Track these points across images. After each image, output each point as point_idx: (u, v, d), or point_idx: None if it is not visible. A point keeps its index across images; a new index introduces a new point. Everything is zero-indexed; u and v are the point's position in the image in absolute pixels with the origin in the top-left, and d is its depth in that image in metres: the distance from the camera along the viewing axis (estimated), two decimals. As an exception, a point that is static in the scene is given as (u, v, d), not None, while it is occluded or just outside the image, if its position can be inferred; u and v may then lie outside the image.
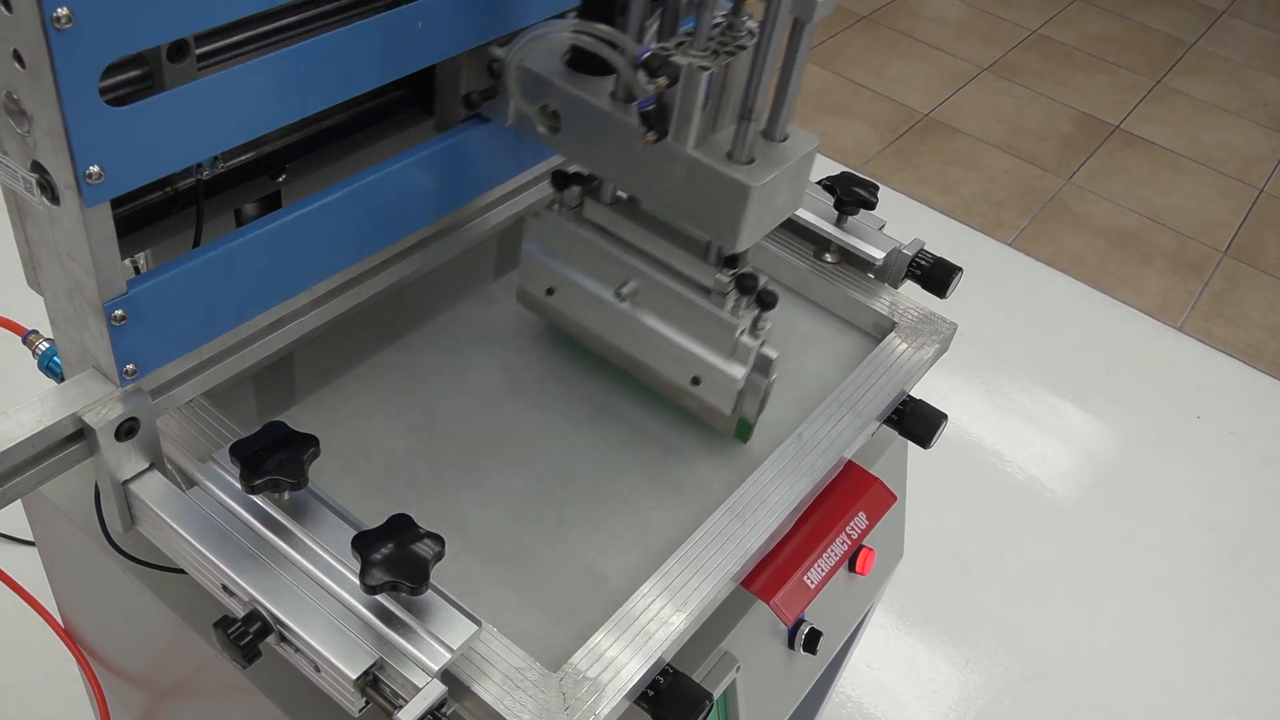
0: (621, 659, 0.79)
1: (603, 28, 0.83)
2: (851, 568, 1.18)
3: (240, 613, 0.74)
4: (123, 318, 0.72)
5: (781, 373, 1.10)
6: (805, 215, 1.17)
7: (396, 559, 0.72)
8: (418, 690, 0.71)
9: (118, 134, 0.65)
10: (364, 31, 0.77)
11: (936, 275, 1.15)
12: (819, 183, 1.17)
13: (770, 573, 0.94)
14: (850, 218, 1.17)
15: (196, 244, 0.81)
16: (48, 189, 0.67)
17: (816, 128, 3.35)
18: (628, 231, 0.94)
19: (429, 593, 0.75)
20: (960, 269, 1.16)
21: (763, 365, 0.93)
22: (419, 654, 0.72)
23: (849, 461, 1.05)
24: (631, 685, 0.78)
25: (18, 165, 0.67)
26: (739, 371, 0.92)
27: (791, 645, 1.11)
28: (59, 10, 0.58)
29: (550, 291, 0.99)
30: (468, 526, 0.90)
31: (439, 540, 0.74)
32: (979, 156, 3.33)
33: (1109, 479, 2.32)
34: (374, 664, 0.72)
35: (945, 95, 3.58)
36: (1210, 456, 2.41)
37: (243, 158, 0.84)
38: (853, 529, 1.00)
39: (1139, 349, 2.67)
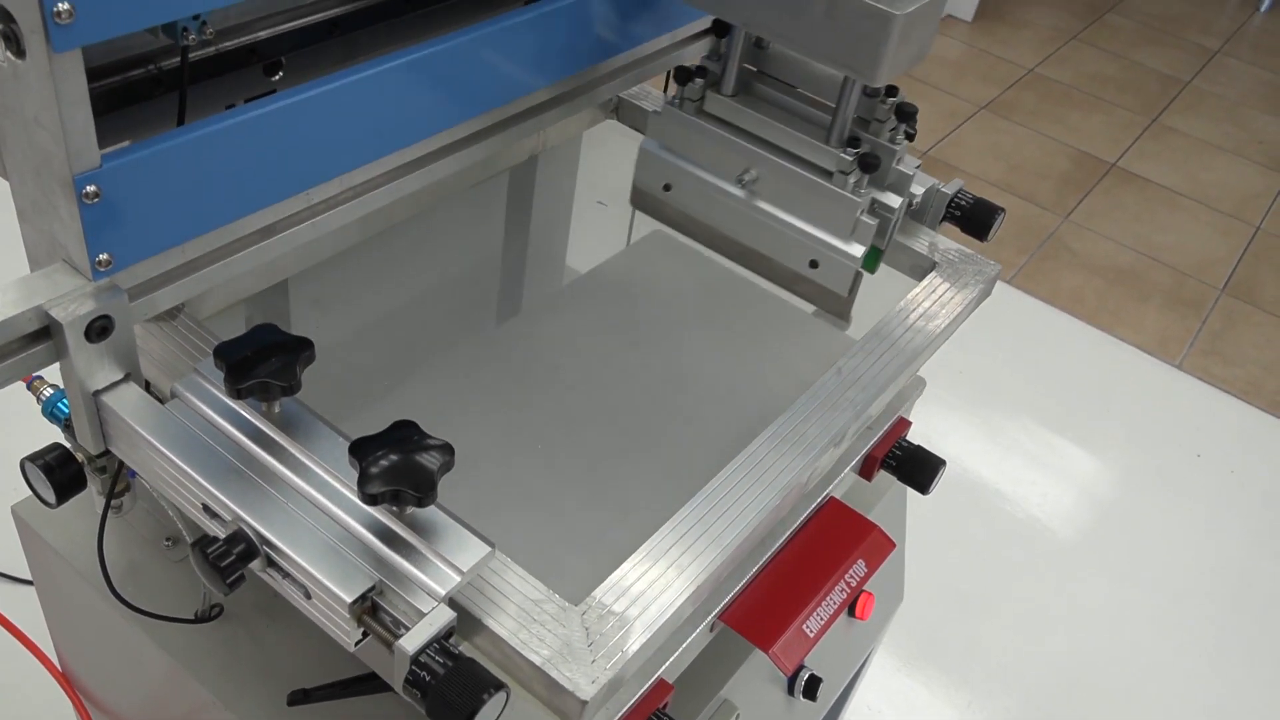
0: (651, 593, 0.70)
1: None
2: (851, 613, 1.11)
3: (223, 535, 0.66)
4: (95, 194, 0.64)
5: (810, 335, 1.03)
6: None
7: (400, 467, 0.63)
8: (422, 616, 0.62)
9: (90, -34, 0.57)
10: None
11: (978, 215, 1.08)
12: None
13: (769, 621, 0.86)
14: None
15: (180, 124, 0.73)
16: (12, 40, 0.59)
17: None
18: (749, 121, 0.98)
19: (435, 511, 0.66)
20: (1002, 209, 1.09)
21: (898, 185, 0.98)
22: (424, 576, 0.63)
23: (847, 508, 0.98)
24: (664, 622, 0.69)
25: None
26: (857, 250, 0.96)
27: (791, 692, 1.04)
28: None
29: (667, 188, 1.04)
30: (476, 458, 0.82)
31: (448, 449, 0.65)
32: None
33: (1109, 518, 2.27)
34: (372, 587, 0.63)
35: (944, 133, 3.55)
36: (1211, 495, 2.36)
37: (236, 41, 0.76)
38: (851, 576, 0.93)
39: (1138, 387, 2.63)
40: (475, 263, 1.07)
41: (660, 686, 0.79)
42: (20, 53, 0.59)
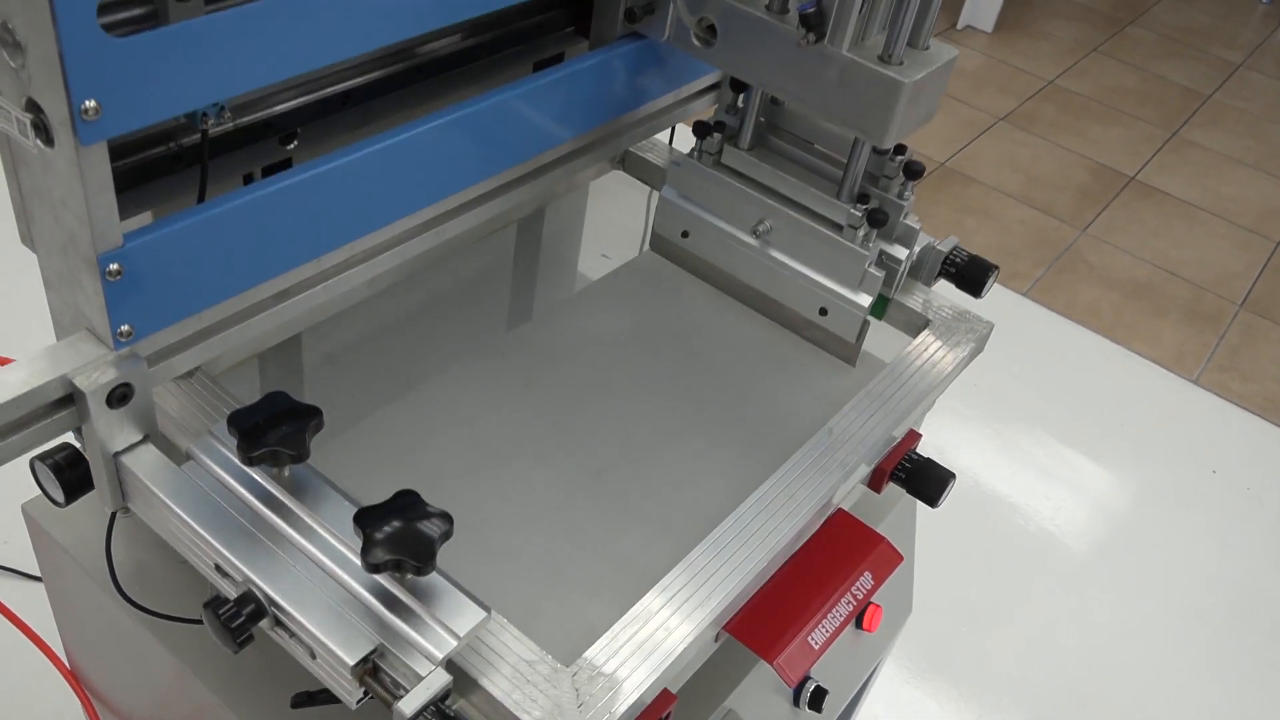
0: (638, 656, 0.73)
1: None
2: (859, 625, 1.12)
3: (233, 594, 0.69)
4: (118, 272, 0.68)
5: (809, 370, 1.06)
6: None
7: (401, 537, 0.67)
8: (420, 679, 0.65)
9: (117, 67, 0.60)
10: (382, -19, 0.73)
11: (971, 273, 1.10)
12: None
13: (774, 632, 0.88)
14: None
15: (200, 200, 0.77)
16: (42, 130, 0.63)
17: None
18: (764, 174, 1.05)
19: (435, 577, 0.70)
20: (996, 266, 1.11)
21: (905, 237, 1.04)
22: (423, 640, 0.67)
23: (855, 520, 1.00)
24: (651, 683, 0.72)
25: (12, 105, 0.63)
26: (866, 300, 1.02)
27: (797, 703, 1.06)
28: (56, -74, 0.54)
29: (685, 234, 1.11)
30: (479, 516, 0.85)
31: (447, 519, 0.68)
32: (993, 206, 3.29)
33: (1123, 533, 2.27)
34: (374, 650, 0.67)
35: (961, 144, 3.56)
36: (1226, 512, 2.36)
37: (252, 116, 0.79)
38: (858, 589, 0.95)
39: (1154, 402, 2.63)
40: (483, 313, 1.11)
41: (664, 697, 0.81)
42: (49, 141, 0.63)
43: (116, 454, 0.74)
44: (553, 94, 0.96)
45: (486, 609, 0.69)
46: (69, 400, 0.71)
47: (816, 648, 0.92)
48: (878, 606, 1.12)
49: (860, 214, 1.00)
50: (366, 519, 0.67)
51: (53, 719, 1.61)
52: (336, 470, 0.77)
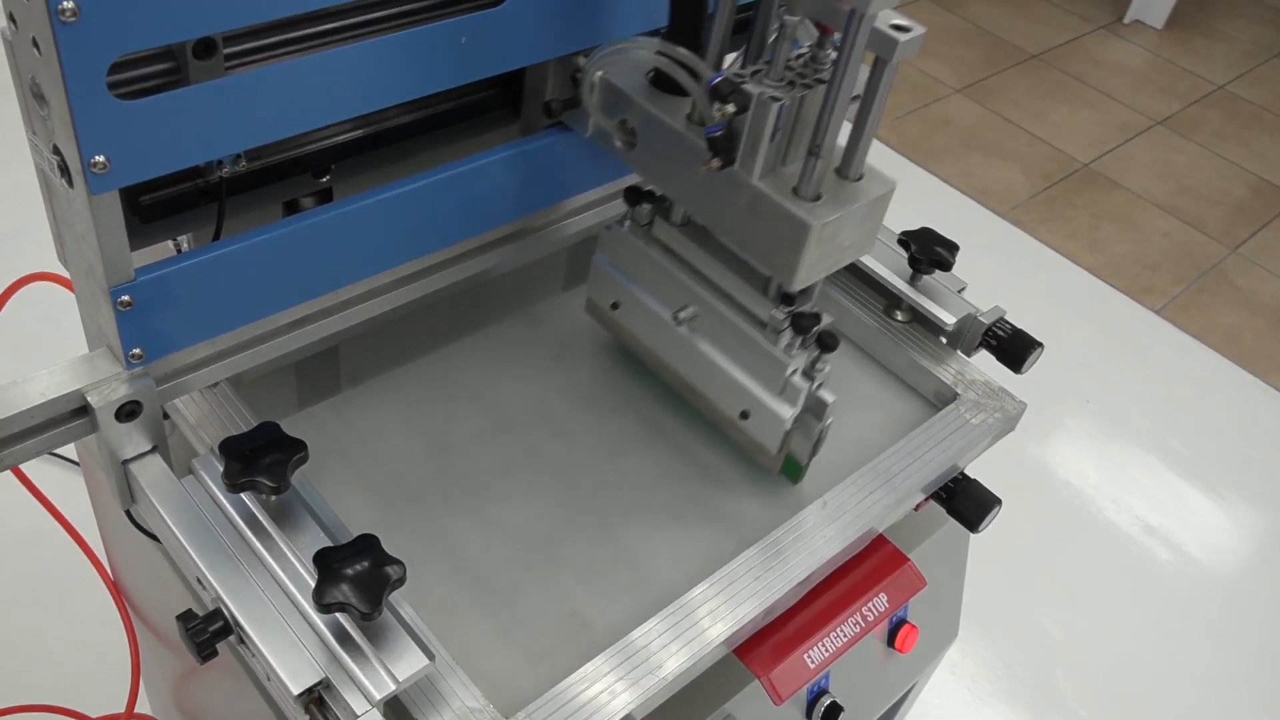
0: (585, 711, 0.76)
1: (682, 51, 0.82)
2: (891, 643, 1.11)
3: (207, 609, 0.75)
4: (129, 304, 0.73)
5: (829, 433, 1.05)
6: (878, 268, 1.11)
7: (354, 580, 0.71)
8: (355, 718, 0.69)
9: (125, 127, 0.65)
10: (396, 44, 0.76)
11: (1013, 348, 1.08)
12: (899, 238, 1.11)
13: (768, 646, 0.89)
14: (926, 277, 1.10)
15: (215, 238, 0.82)
16: (65, 172, 0.68)
17: (962, 165, 3.22)
18: (693, 255, 0.93)
19: (391, 618, 0.73)
20: (1040, 345, 1.08)
21: (817, 408, 0.90)
22: (365, 680, 0.71)
23: (881, 537, 0.99)
24: (587, 746, 0.74)
25: (44, 145, 0.69)
26: (787, 411, 0.89)
27: (810, 717, 1.06)
28: (64, 4, 0.58)
29: (615, 305, 1.00)
30: (461, 551, 0.89)
31: (400, 567, 0.72)
32: (1137, 215, 3.14)
33: (1231, 580, 2.14)
34: (319, 682, 0.71)
35: (1110, 146, 3.39)
36: None
37: (275, 157, 0.84)
38: (870, 610, 0.94)
39: None
40: (524, 327, 1.13)
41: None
42: (70, 183, 0.68)
43: (125, 461, 0.80)
44: (563, 150, 0.97)
45: (431, 656, 0.73)
46: (84, 411, 0.77)
47: (813, 666, 0.91)
48: (913, 627, 1.10)
49: (783, 316, 0.86)
50: (324, 559, 0.72)
51: (89, 613, 1.66)
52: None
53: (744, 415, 0.93)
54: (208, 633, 0.73)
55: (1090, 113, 3.55)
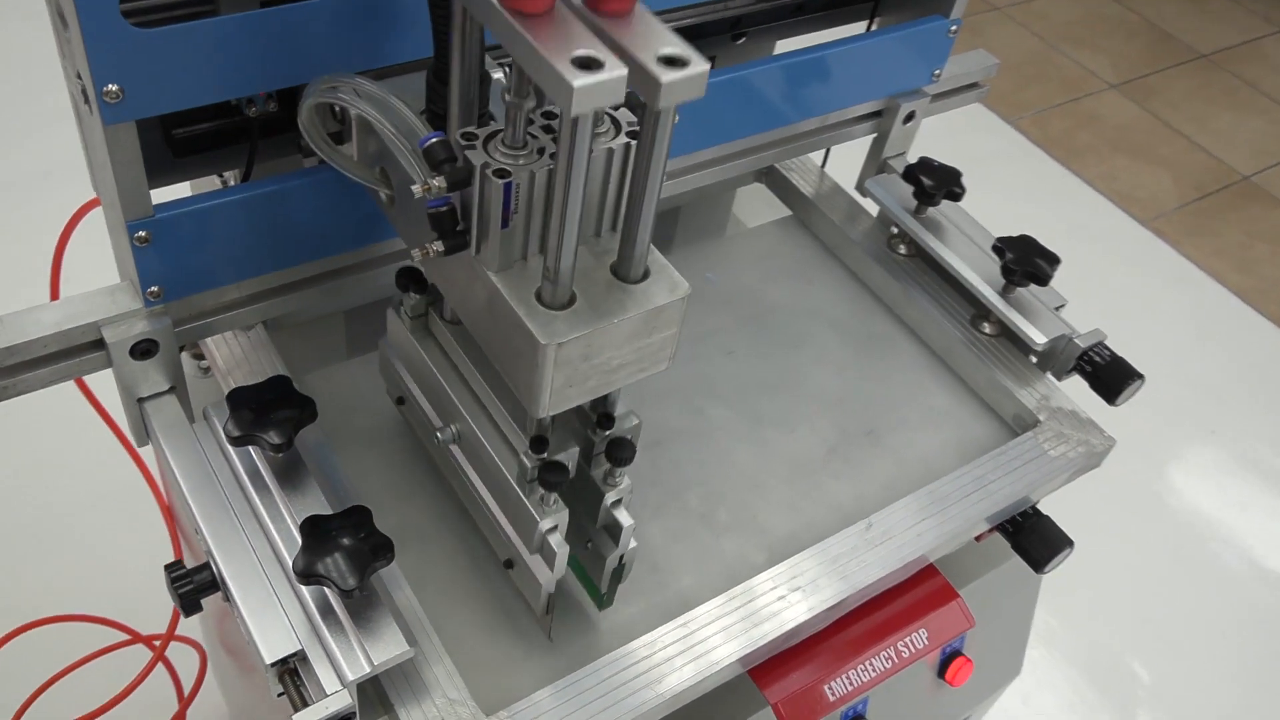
0: (575, 719, 0.71)
1: (396, 103, 0.65)
2: (941, 675, 1.03)
3: (199, 560, 0.72)
4: (145, 240, 0.71)
5: (890, 446, 0.97)
6: (969, 274, 1.02)
7: (339, 553, 0.67)
8: (324, 695, 0.66)
9: (139, 56, 0.62)
10: None
11: (1109, 377, 0.98)
12: (994, 244, 1.01)
13: (788, 672, 0.82)
14: (1021, 290, 1.01)
15: (245, 180, 0.79)
16: (87, 99, 0.66)
17: (1107, 167, 3.02)
18: (462, 362, 0.74)
19: (378, 597, 0.70)
20: (1141, 377, 0.98)
21: (613, 530, 0.73)
22: (340, 658, 0.67)
23: (931, 566, 0.91)
24: (564, 757, 0.70)
25: (69, 70, 0.67)
26: (545, 575, 0.72)
27: None
28: (73, -81, 0.55)
29: (401, 401, 0.83)
30: (478, 531, 0.85)
31: (389, 547, 0.68)
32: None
33: None
34: (295, 654, 0.68)
35: (1277, 160, 3.13)
36: None
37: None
38: (907, 646, 0.87)
39: None
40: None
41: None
42: (91, 110, 0.66)
43: (140, 399, 0.79)
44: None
45: (412, 643, 0.69)
46: (100, 344, 0.75)
47: (833, 699, 0.85)
48: (967, 660, 1.02)
49: (530, 465, 0.68)
50: (312, 527, 0.68)
51: (149, 534, 1.68)
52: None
53: (508, 564, 0.78)
54: (192, 584, 0.71)
55: (1259, 121, 3.28)
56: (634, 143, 0.61)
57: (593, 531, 0.75)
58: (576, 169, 0.54)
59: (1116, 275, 2.65)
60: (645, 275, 0.61)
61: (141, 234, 0.71)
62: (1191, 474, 2.24)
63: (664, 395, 0.96)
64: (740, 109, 0.98)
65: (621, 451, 0.69)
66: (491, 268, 0.61)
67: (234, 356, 0.86)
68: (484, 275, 0.61)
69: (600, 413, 0.71)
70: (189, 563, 0.74)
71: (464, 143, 0.60)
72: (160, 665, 1.27)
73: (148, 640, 1.43)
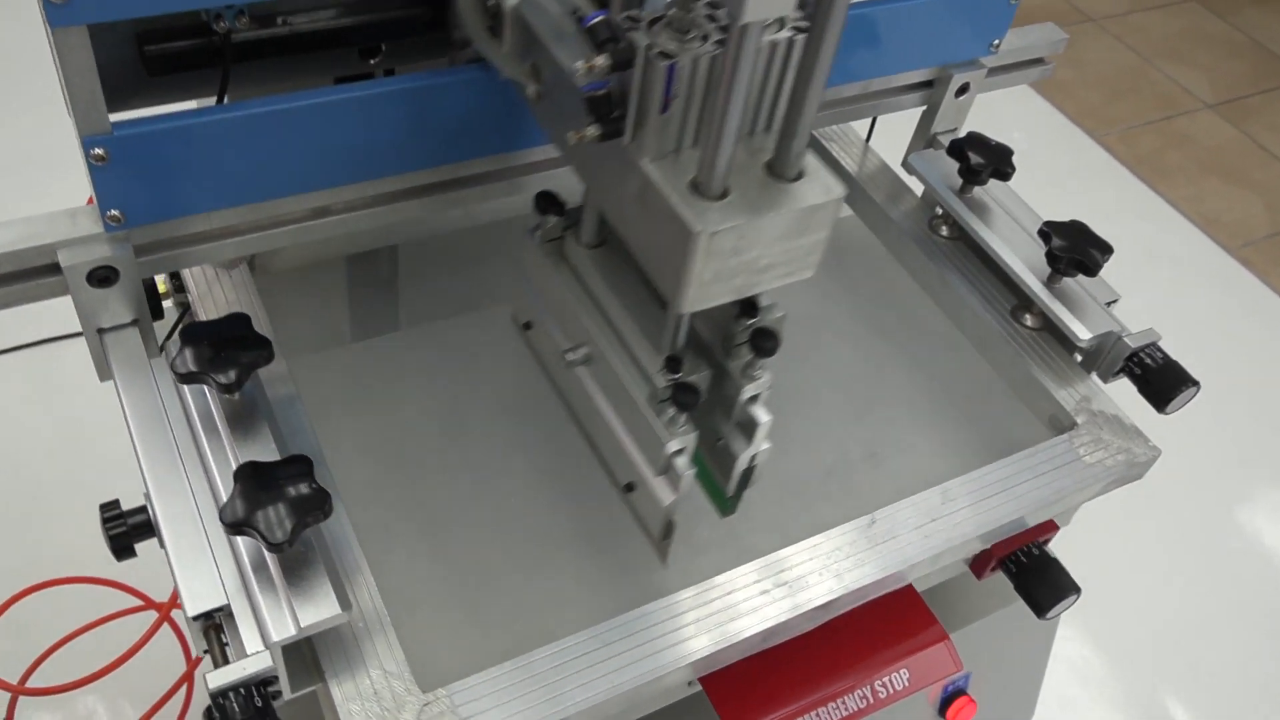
0: (511, 706, 0.65)
1: None
2: (941, 713, 0.95)
3: (137, 504, 0.68)
4: (102, 157, 0.67)
5: (906, 443, 0.89)
6: (1011, 260, 0.93)
7: (269, 504, 0.62)
8: (244, 656, 0.61)
9: (84, -52, 0.57)
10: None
11: (1159, 381, 0.88)
12: (1040, 228, 0.93)
13: (753, 702, 0.75)
14: (1068, 280, 0.92)
15: (219, 103, 0.74)
16: (43, -2, 0.62)
17: (1195, 189, 2.87)
18: (596, 286, 0.74)
19: (317, 556, 0.64)
20: (1196, 384, 0.88)
21: (747, 426, 0.71)
22: (266, 617, 0.62)
23: (921, 605, 0.83)
24: (506, 743, 0.64)
25: (29, -31, 0.63)
26: (667, 496, 0.70)
27: None
28: None
29: (528, 325, 0.83)
30: (448, 511, 0.79)
31: (321, 498, 0.63)
32: None
33: None
34: (219, 609, 0.63)
35: None
36: None
37: (305, 25, 0.75)
38: (884, 686, 0.80)
39: None
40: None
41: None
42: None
43: (100, 330, 0.75)
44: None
45: (347, 607, 0.63)
46: (58, 269, 0.71)
47: None
48: (970, 701, 0.94)
49: (663, 385, 0.68)
50: (246, 474, 0.63)
51: None
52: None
53: (628, 487, 0.75)
54: (126, 526, 0.67)
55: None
56: (801, 37, 0.58)
57: (725, 429, 0.72)
58: (744, 62, 0.53)
59: (1197, 302, 2.50)
60: (799, 176, 0.59)
61: (98, 151, 0.66)
62: (1261, 515, 2.09)
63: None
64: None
65: (766, 341, 0.67)
66: (646, 156, 0.59)
67: (210, 294, 0.82)
68: (637, 164, 0.59)
69: (745, 301, 0.68)
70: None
71: (627, 25, 0.58)
72: (167, 627, 1.24)
73: (159, 606, 1.41)
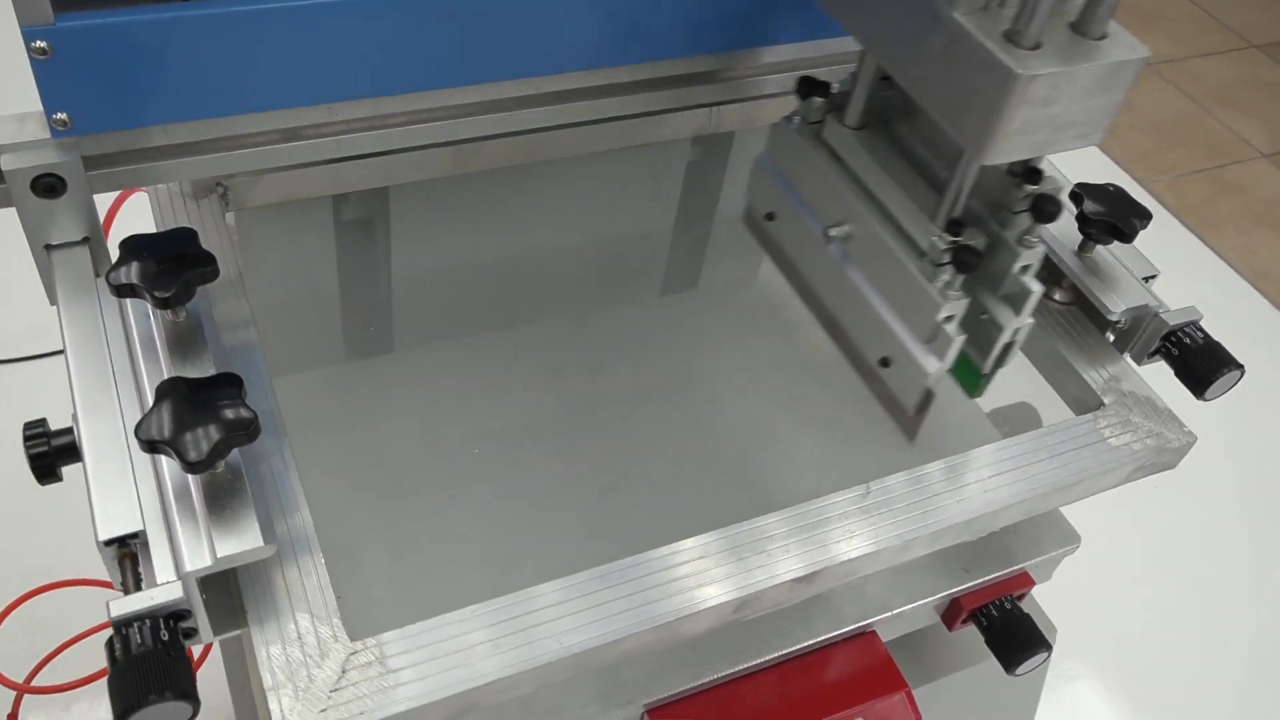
0: (448, 662, 0.59)
1: None
2: None
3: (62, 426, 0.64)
4: (44, 50, 0.62)
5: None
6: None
7: (189, 422, 0.57)
8: (154, 584, 0.56)
9: None
10: None
11: (1199, 363, 0.81)
12: (1072, 190, 0.85)
13: None
14: (1099, 246, 0.84)
15: None
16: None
17: (1245, 240, 2.73)
18: (862, 165, 0.76)
19: (245, 486, 0.59)
20: (1240, 367, 0.80)
21: (1017, 297, 0.72)
22: (182, 546, 0.57)
23: (884, 654, 0.78)
24: (436, 700, 0.58)
25: None
26: (932, 364, 0.72)
27: None
28: None
29: (770, 216, 0.85)
30: (411, 466, 0.74)
31: (250, 424, 0.58)
32: None
33: None
34: (132, 534, 0.58)
35: None
36: None
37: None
38: None
39: None
40: (590, 232, 0.97)
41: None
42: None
43: (48, 246, 0.71)
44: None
45: (270, 542, 0.58)
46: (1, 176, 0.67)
47: None
48: None
49: (944, 247, 0.70)
50: (165, 391, 0.58)
51: None
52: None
53: (884, 362, 0.76)
54: (49, 447, 0.62)
55: None
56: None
57: (990, 302, 0.73)
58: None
59: (1243, 358, 2.37)
60: (1104, 36, 0.61)
61: (40, 45, 0.62)
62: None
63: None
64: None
65: (1049, 205, 0.69)
66: (960, 9, 0.61)
67: (174, 220, 0.77)
68: (948, 18, 0.61)
69: (1027, 167, 0.69)
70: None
71: None
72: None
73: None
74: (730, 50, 0.85)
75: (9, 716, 1.23)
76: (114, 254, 0.65)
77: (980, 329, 0.74)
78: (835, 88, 0.77)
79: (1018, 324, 0.72)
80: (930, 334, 0.71)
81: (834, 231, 0.76)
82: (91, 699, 1.45)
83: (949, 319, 0.70)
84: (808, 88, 0.78)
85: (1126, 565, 1.80)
